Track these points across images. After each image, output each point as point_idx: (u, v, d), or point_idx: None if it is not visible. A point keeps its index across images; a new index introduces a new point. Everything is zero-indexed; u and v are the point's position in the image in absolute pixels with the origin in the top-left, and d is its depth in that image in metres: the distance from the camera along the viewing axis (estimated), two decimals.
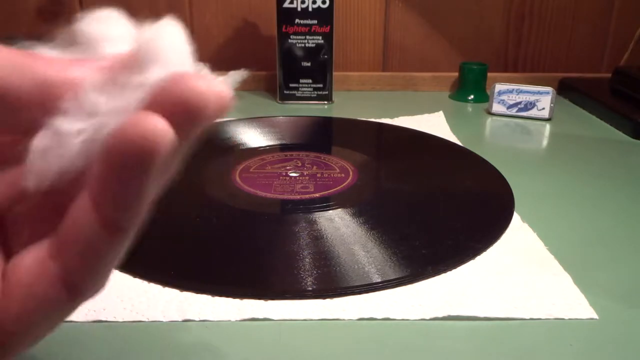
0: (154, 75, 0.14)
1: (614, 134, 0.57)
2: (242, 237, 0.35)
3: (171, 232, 0.36)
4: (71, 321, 0.27)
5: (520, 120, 0.62)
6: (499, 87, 0.64)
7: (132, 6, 0.75)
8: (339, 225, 0.36)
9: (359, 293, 0.29)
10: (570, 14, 0.77)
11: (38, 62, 0.14)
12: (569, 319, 0.28)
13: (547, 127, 0.60)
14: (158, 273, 0.31)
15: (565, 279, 0.31)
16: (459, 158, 0.50)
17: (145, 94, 0.14)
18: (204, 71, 0.16)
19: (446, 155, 0.51)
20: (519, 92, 0.63)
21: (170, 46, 0.14)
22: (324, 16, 0.65)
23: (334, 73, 0.69)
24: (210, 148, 0.52)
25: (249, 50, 0.78)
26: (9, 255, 0.16)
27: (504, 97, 0.64)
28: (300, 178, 0.44)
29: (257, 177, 0.44)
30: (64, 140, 0.14)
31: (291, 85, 0.69)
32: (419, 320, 0.28)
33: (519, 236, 0.36)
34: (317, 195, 0.41)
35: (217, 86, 0.14)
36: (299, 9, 0.65)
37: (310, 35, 0.66)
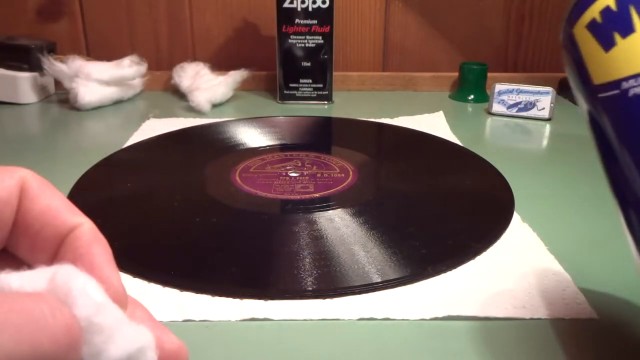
0: None
1: None
2: (242, 237, 0.35)
3: (171, 232, 0.36)
4: None
5: (520, 120, 0.62)
6: (499, 87, 0.64)
7: (132, 6, 0.76)
8: (339, 225, 0.36)
9: (359, 293, 0.29)
10: None
11: None
12: (569, 319, 0.28)
13: (547, 127, 0.60)
14: (158, 273, 0.31)
15: (565, 278, 0.31)
16: (459, 158, 0.50)
17: None
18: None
19: (446, 155, 0.51)
20: (519, 92, 0.63)
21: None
22: (324, 16, 0.65)
23: (334, 73, 0.69)
24: (210, 148, 0.52)
25: (249, 50, 0.78)
26: None
27: (504, 97, 0.64)
28: (300, 178, 0.44)
29: (257, 177, 0.44)
30: None
31: (291, 85, 0.69)
32: (419, 320, 0.28)
33: (519, 236, 0.36)
34: (317, 195, 0.41)
35: None
36: (299, 9, 0.65)
37: (310, 35, 0.66)
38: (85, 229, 0.17)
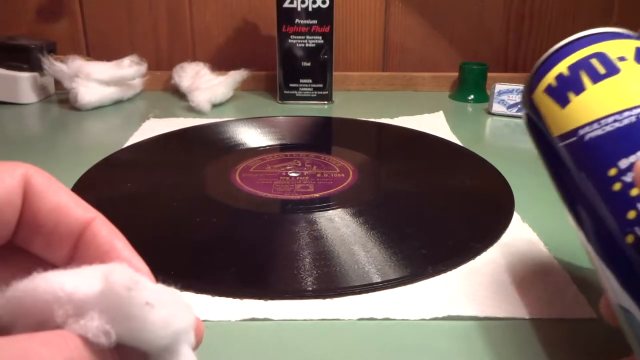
0: None
1: None
2: (242, 237, 0.35)
3: (171, 232, 0.36)
4: None
5: (520, 120, 0.62)
6: (499, 87, 0.64)
7: (132, 6, 0.76)
8: (339, 225, 0.36)
9: (359, 293, 0.29)
10: (570, 14, 0.77)
11: None
12: (569, 319, 0.28)
13: None
14: (158, 273, 0.31)
15: (565, 278, 0.31)
16: (459, 158, 0.50)
17: None
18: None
19: (446, 155, 0.51)
20: (519, 92, 0.63)
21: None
22: (324, 16, 0.65)
23: (334, 73, 0.69)
24: (210, 148, 0.52)
25: (249, 50, 0.78)
26: None
27: (504, 97, 0.64)
28: (300, 178, 0.44)
29: (257, 177, 0.44)
30: None
31: (291, 85, 0.69)
32: (419, 320, 0.28)
33: (519, 236, 0.36)
34: (317, 195, 0.41)
35: None
36: (299, 9, 0.65)
37: (310, 35, 0.66)
38: (99, 223, 0.17)
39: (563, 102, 0.24)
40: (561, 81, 0.24)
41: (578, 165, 0.23)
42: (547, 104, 0.25)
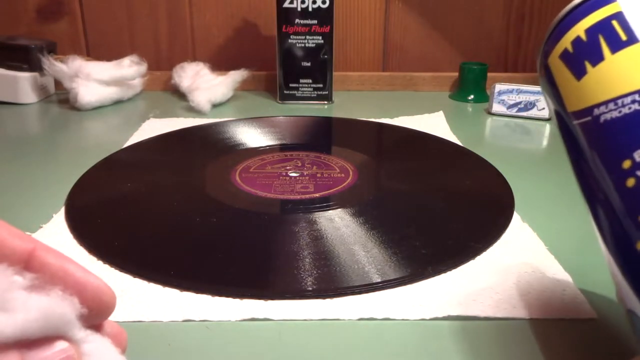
0: None
1: None
2: (242, 237, 0.35)
3: (171, 231, 0.36)
4: None
5: (520, 120, 0.62)
6: (499, 87, 0.64)
7: (132, 6, 0.76)
8: (339, 225, 0.36)
9: (359, 293, 0.29)
10: None
11: None
12: (569, 319, 0.28)
13: (547, 127, 0.60)
14: (158, 273, 0.31)
15: (565, 279, 0.31)
16: (459, 158, 0.50)
17: None
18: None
19: (446, 155, 0.51)
20: (519, 92, 0.63)
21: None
22: (324, 16, 0.65)
23: (334, 73, 0.69)
24: (210, 148, 0.52)
25: (249, 50, 0.78)
26: None
27: (504, 97, 0.64)
28: (300, 178, 0.44)
29: (257, 177, 0.44)
30: None
31: (291, 85, 0.69)
32: (419, 320, 0.28)
33: (519, 236, 0.36)
34: (317, 195, 0.41)
35: None
36: (299, 9, 0.65)
37: (310, 35, 0.66)
38: (43, 251, 0.16)
39: (579, 72, 0.20)
40: (578, 47, 0.20)
41: (591, 150, 0.19)
42: (562, 73, 0.21)
